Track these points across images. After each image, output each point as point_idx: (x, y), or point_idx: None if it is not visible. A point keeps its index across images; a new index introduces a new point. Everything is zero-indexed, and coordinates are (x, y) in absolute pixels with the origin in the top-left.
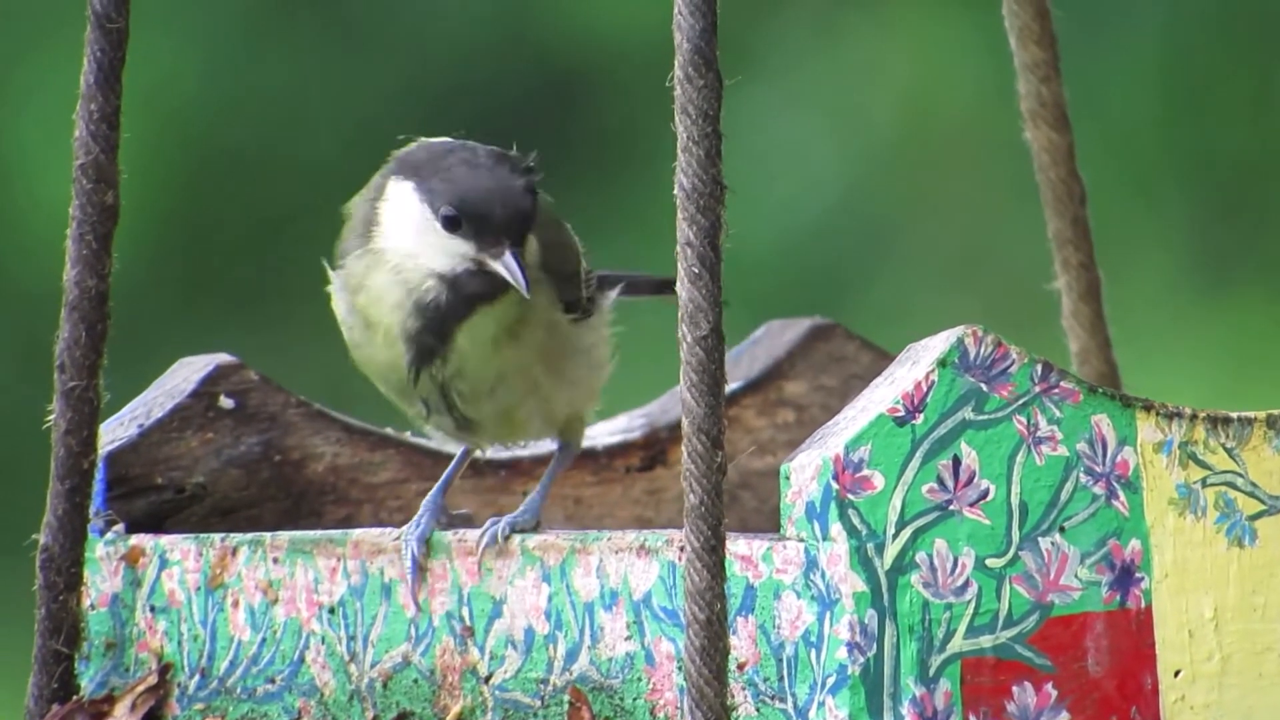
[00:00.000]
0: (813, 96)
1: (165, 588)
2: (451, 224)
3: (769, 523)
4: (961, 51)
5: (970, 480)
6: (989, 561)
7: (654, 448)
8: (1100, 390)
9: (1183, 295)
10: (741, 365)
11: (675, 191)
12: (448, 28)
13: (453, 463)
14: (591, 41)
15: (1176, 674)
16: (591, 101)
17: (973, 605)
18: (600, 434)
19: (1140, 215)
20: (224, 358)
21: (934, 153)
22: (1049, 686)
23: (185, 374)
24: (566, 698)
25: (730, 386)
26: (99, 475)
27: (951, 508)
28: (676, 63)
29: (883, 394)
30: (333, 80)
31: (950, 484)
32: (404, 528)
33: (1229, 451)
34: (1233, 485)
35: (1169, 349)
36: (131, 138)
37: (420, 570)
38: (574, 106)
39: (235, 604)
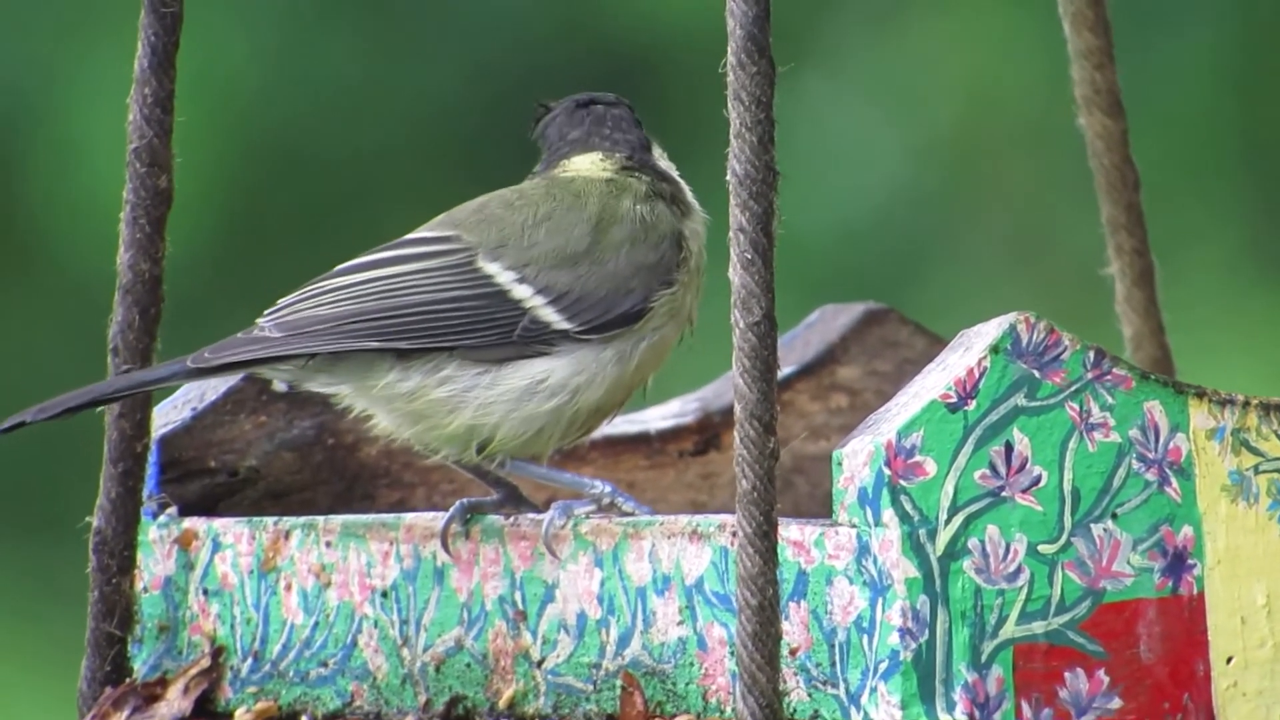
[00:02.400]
0: (873, 85)
1: (218, 571)
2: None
3: (822, 508)
4: (1020, 39)
5: (1022, 466)
6: (1041, 548)
7: (707, 432)
8: (1153, 377)
9: (1239, 282)
10: (795, 350)
11: (728, 177)
12: (509, 17)
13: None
14: (654, 27)
15: (1229, 661)
16: (654, 88)
17: (1025, 591)
18: (653, 418)
19: (1197, 202)
20: None
21: (993, 141)
22: (1101, 673)
23: None
24: (619, 682)
25: (784, 371)
26: (152, 458)
27: (1004, 494)
28: (729, 49)
29: (935, 380)
30: (395, 69)
31: (1002, 470)
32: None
33: None
34: None
35: (1224, 336)
36: (193, 122)
37: (451, 529)
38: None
39: (288, 587)
